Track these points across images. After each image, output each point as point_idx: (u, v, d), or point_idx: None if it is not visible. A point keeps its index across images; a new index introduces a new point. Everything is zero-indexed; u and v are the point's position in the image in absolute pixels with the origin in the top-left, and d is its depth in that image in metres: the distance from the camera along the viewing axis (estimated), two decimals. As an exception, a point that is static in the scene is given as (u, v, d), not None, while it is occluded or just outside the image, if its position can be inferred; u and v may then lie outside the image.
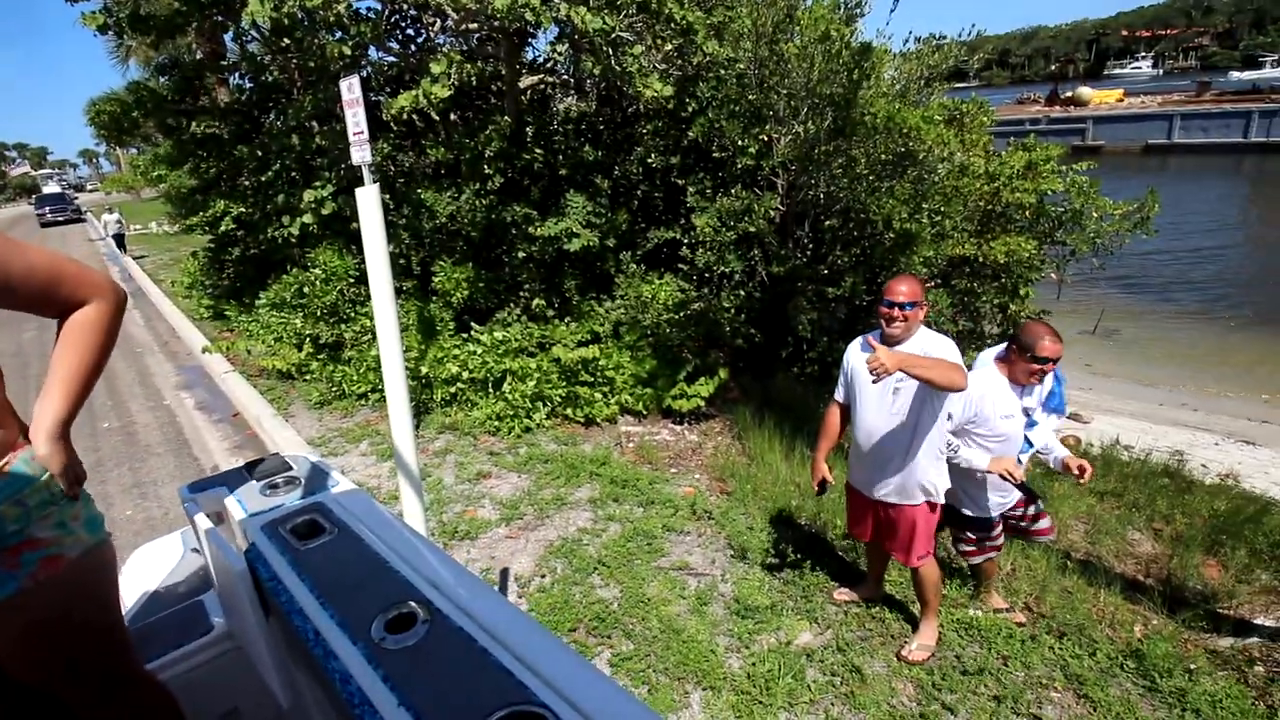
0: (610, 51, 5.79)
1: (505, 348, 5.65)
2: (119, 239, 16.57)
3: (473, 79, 5.70)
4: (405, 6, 6.65)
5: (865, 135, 5.62)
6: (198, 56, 9.24)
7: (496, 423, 5.25)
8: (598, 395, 5.41)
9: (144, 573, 1.93)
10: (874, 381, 2.16)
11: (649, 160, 6.73)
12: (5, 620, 1.02)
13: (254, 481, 1.49)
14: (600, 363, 5.40)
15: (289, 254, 6.88)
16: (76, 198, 40.14)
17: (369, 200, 2.16)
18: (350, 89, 4.27)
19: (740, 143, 5.91)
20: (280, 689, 1.35)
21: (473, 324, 6.05)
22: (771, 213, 5.75)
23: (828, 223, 6.29)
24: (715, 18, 6.33)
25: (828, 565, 3.25)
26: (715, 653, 2.73)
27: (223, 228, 6.66)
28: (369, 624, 0.96)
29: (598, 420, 5.35)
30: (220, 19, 6.88)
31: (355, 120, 4.30)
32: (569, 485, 4.28)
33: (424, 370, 5.60)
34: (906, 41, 6.67)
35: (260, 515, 1.34)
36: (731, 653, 2.76)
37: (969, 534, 2.81)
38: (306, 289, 5.99)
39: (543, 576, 3.36)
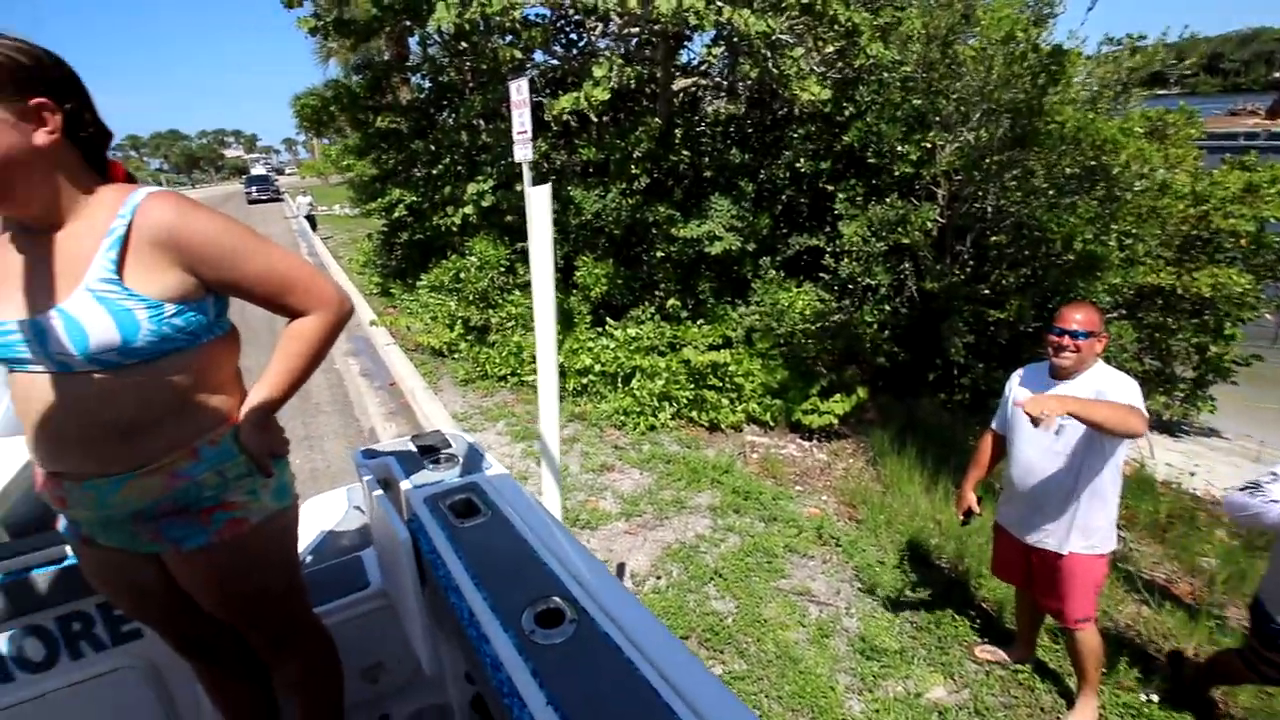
0: (769, 54, 5.68)
1: (637, 345, 5.74)
2: (310, 220, 18.81)
3: (630, 82, 5.83)
4: (570, 12, 6.94)
5: (1050, 146, 5.08)
6: (386, 58, 10.23)
7: (623, 417, 5.34)
8: (724, 401, 5.34)
9: (312, 522, 2.14)
10: (1034, 425, 1.93)
11: (797, 165, 6.53)
12: (193, 566, 1.15)
13: (419, 456, 1.59)
14: (730, 368, 5.33)
15: (450, 241, 7.43)
16: (277, 180, 45.65)
17: (541, 199, 2.24)
18: (519, 90, 4.51)
19: (900, 149, 5.57)
20: (424, 653, 1.44)
21: (608, 319, 6.20)
22: (929, 224, 5.36)
23: (994, 239, 5.77)
24: (882, 19, 6.02)
25: (969, 616, 2.97)
26: (834, 690, 2.59)
27: (396, 214, 7.32)
28: (519, 613, 0.98)
29: (722, 426, 5.28)
30: (408, 24, 7.55)
31: (521, 120, 4.54)
32: (690, 489, 4.26)
33: (559, 360, 5.81)
34: (1102, 44, 5.96)
35: (423, 488, 1.43)
36: (852, 694, 2.60)
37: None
38: (463, 275, 6.43)
39: (658, 578, 3.36)
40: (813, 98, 5.38)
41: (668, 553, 3.56)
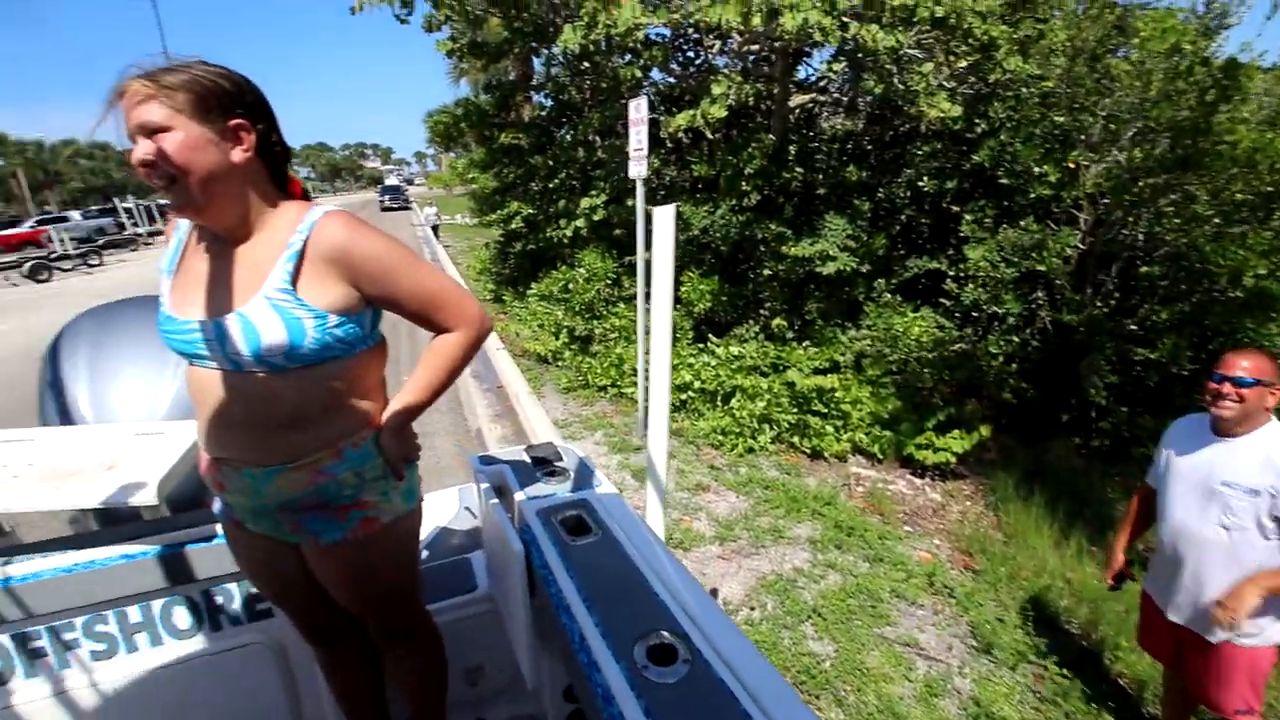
0: (894, 69, 5.46)
1: (739, 364, 5.64)
2: (434, 228, 20.16)
3: (748, 99, 5.79)
4: (689, 31, 7.01)
5: (1218, 168, 4.53)
6: (512, 78, 10.80)
7: (720, 437, 5.26)
8: (829, 428, 5.13)
9: (426, 519, 2.23)
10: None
11: (919, 183, 6.21)
12: (329, 559, 1.23)
13: (532, 467, 1.62)
14: (836, 394, 5.11)
15: (560, 253, 7.68)
16: (407, 190, 49.42)
17: (664, 220, 2.24)
18: (637, 109, 4.60)
19: (1037, 169, 5.16)
20: (526, 663, 1.45)
21: (710, 335, 6.16)
22: (1068, 251, 4.92)
23: (1144, 269, 5.20)
24: (1022, 31, 5.62)
25: (1104, 694, 2.65)
26: (942, 755, 2.38)
27: (512, 225, 7.68)
28: (631, 645, 0.96)
29: (825, 455, 5.07)
30: (535, 45, 7.92)
31: (637, 137, 4.62)
32: (789, 518, 4.11)
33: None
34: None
35: (536, 500, 1.44)
36: (962, 761, 2.39)
37: None
38: (571, 285, 6.60)
39: (752, 609, 3.25)
40: (942, 114, 5.10)
41: (763, 583, 3.44)
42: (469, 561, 1.90)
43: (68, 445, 1.57)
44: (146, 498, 1.40)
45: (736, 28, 4.92)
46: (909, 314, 5.57)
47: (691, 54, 7.53)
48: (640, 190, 4.68)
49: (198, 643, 1.53)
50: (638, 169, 4.64)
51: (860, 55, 5.49)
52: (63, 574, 1.39)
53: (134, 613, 1.47)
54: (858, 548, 3.73)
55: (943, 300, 5.60)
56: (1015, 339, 5.15)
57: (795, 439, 5.20)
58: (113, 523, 1.56)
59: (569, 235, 7.07)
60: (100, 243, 23.68)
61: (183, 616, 1.50)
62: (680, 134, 6.14)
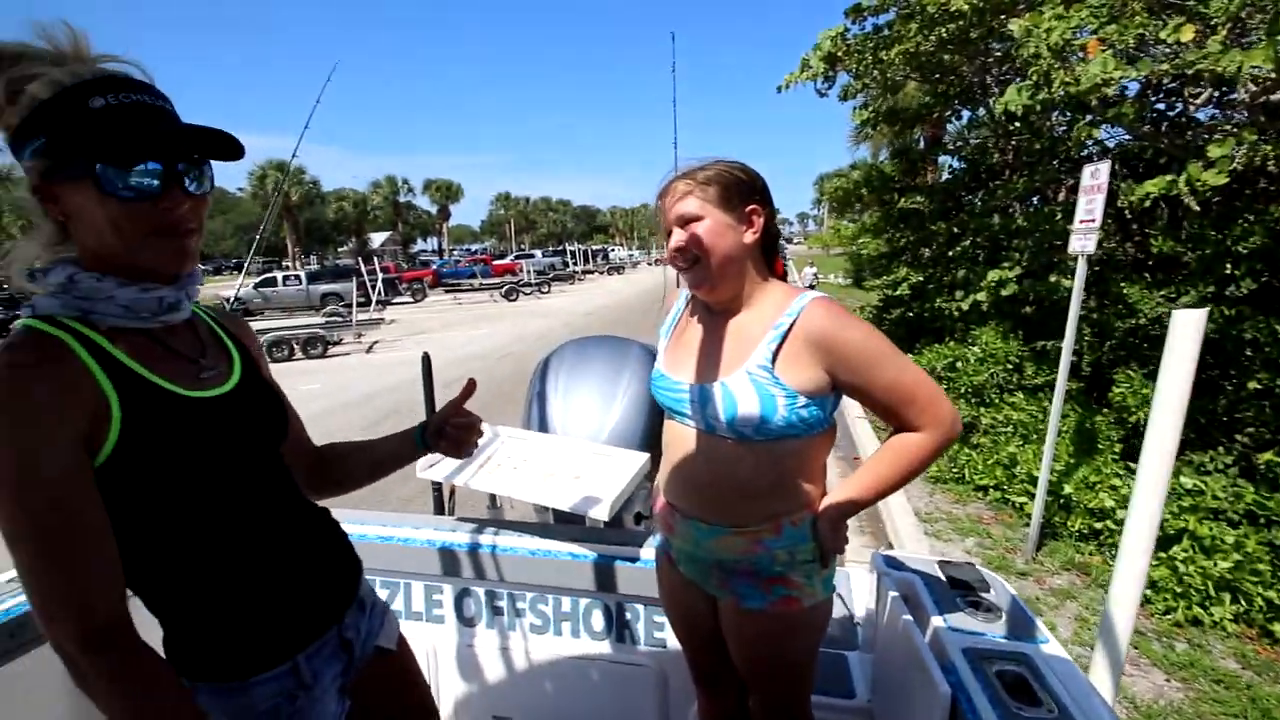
0: None
1: (1194, 501, 4.26)
2: (812, 288, 20.80)
3: (1259, 161, 4.43)
4: (1164, 81, 5.73)
5: None
6: (919, 142, 10.43)
7: (1148, 591, 4.02)
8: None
9: None
10: None
11: None
12: (743, 622, 1.26)
13: (949, 587, 1.41)
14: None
15: (949, 326, 7.01)
16: (786, 248, 52.02)
17: (1190, 325, 1.79)
18: (1095, 175, 3.89)
19: None
20: None
21: (1147, 455, 4.81)
22: None
23: None
24: None
25: None
26: None
27: (898, 292, 7.32)
28: None
29: (1337, 665, 3.45)
30: (957, 108, 7.49)
31: (1090, 207, 3.91)
32: (1262, 740, 2.88)
33: (1066, 489, 4.78)
34: None
35: (960, 634, 1.24)
36: None
37: None
38: (959, 364, 5.95)
39: None
40: None
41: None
42: (845, 660, 1.75)
43: (546, 450, 1.95)
44: (601, 512, 1.63)
45: (1262, 75, 3.82)
46: None
47: (1162, 106, 6.18)
48: (1081, 267, 3.94)
49: (603, 646, 1.71)
50: (1083, 243, 3.93)
51: None
52: (528, 555, 1.69)
53: (566, 603, 1.71)
54: None
55: None
56: None
57: (1277, 626, 3.67)
58: (564, 523, 1.87)
59: (964, 308, 6.40)
60: (550, 276, 30.69)
61: (598, 619, 1.70)
62: (1140, 204, 5.03)
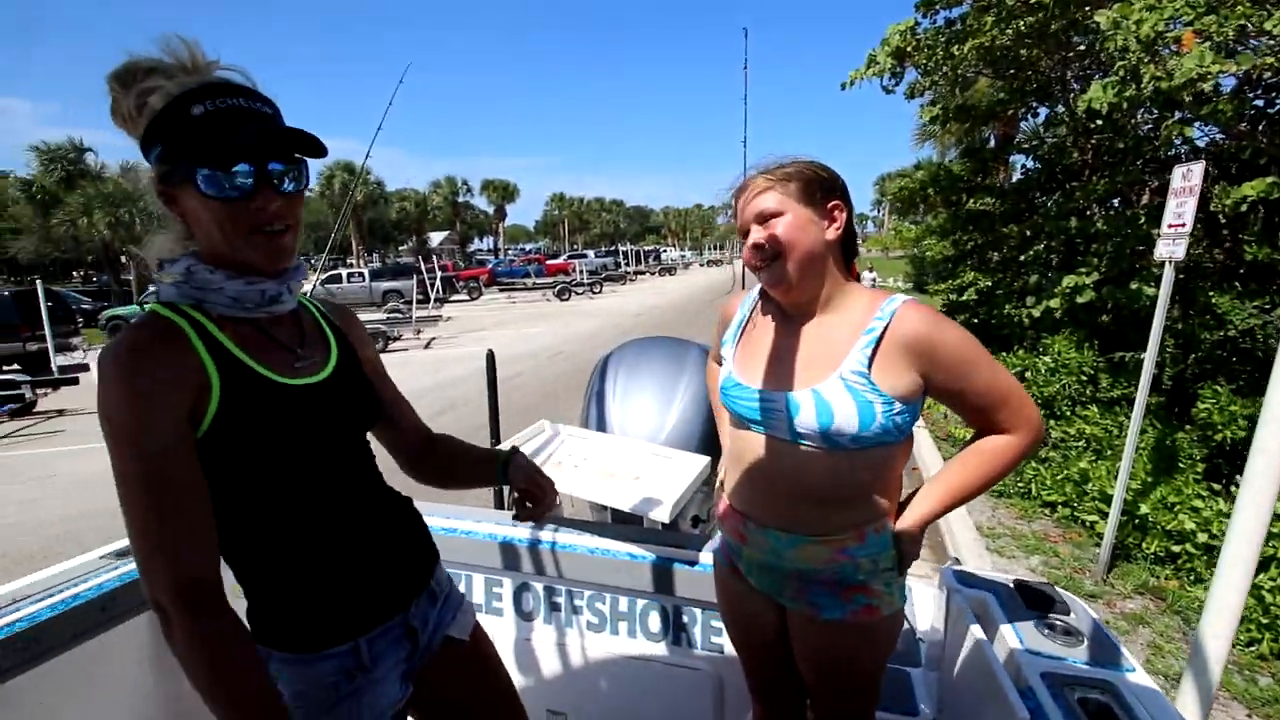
0: None
1: (1287, 528, 3.95)
2: None
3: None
4: (1265, 76, 5.32)
5: None
6: (990, 141, 10.02)
7: (1236, 621, 3.75)
8: None
9: None
10: None
11: None
12: (819, 633, 1.23)
13: (1024, 605, 1.35)
14: None
15: (1015, 333, 6.72)
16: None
17: None
18: (1186, 176, 3.65)
19: None
20: None
21: (1236, 476, 4.50)
22: None
23: None
24: None
25: None
26: None
27: (964, 297, 7.06)
28: None
29: None
30: (1034, 105, 7.16)
31: (1180, 211, 3.67)
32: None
33: (1142, 509, 4.51)
34: None
35: (1039, 658, 1.18)
36: None
37: None
38: (1028, 374, 5.69)
39: None
40: None
41: None
42: (907, 676, 1.69)
43: (607, 449, 1.97)
44: (661, 514, 1.63)
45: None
46: None
47: (1260, 103, 5.75)
48: (1168, 274, 3.72)
49: (659, 648, 1.71)
50: (1170, 249, 3.70)
51: None
52: (587, 553, 1.71)
53: (623, 602, 1.72)
54: None
55: None
56: None
57: (1386, 668, 3.38)
58: (621, 523, 1.88)
59: (1035, 315, 6.11)
60: (602, 276, 30.90)
61: (655, 621, 1.70)
62: (1235, 208, 4.71)
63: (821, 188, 1.13)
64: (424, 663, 1.13)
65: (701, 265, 60.60)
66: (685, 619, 1.67)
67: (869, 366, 1.08)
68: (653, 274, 41.98)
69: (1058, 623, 1.29)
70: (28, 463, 7.44)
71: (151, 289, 18.79)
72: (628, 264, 39.38)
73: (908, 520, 1.16)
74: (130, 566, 1.61)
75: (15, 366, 11.77)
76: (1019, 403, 1.11)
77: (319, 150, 0.91)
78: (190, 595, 0.83)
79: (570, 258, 37.57)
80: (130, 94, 0.85)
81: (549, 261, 35.78)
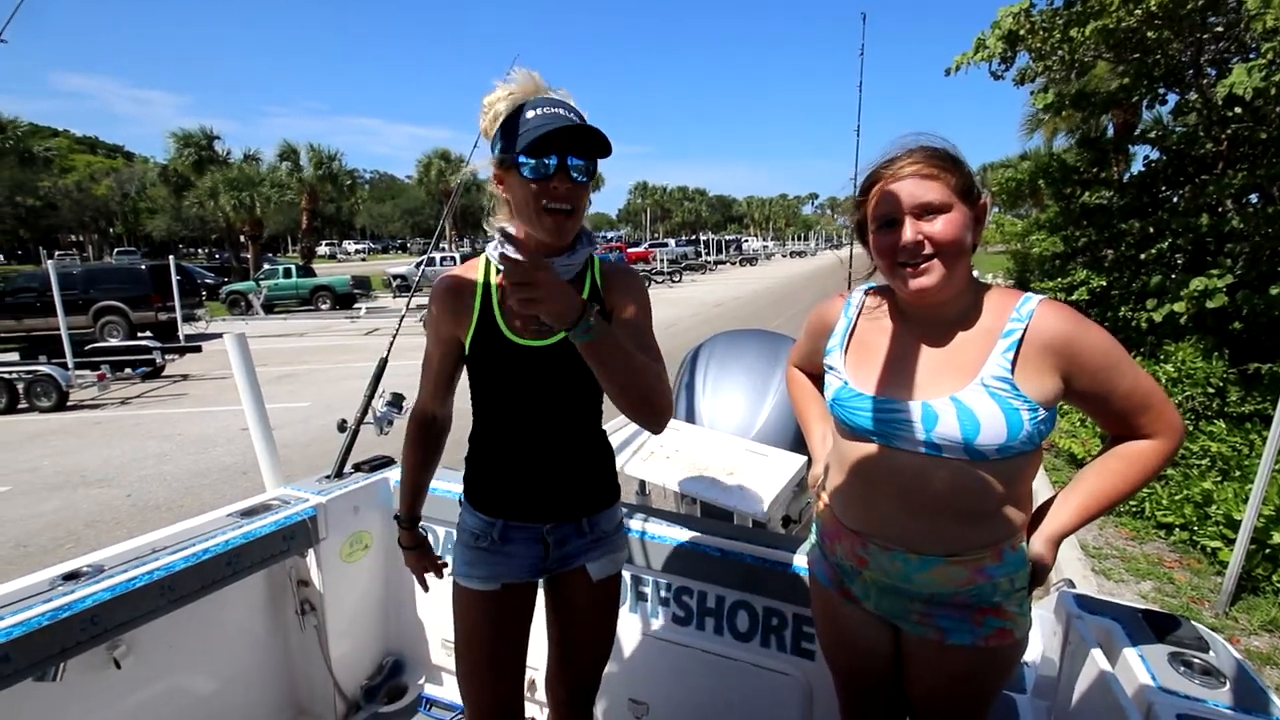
0: None
1: None
2: None
3: None
4: None
5: None
6: (1108, 130, 9.22)
7: (1384, 670, 3.35)
8: None
9: None
10: None
11: None
12: (945, 659, 1.14)
13: (1153, 635, 1.25)
14: None
15: (1133, 338, 6.21)
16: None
17: None
18: (1353, 169, 3.26)
19: None
20: None
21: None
22: None
23: None
24: None
25: None
26: None
27: (1075, 296, 6.57)
28: None
29: None
30: (1162, 91, 6.55)
31: (1341, 208, 3.29)
32: None
33: (1275, 537, 4.08)
34: None
35: (1176, 698, 1.09)
36: None
37: None
38: (1164, 381, 5.25)
39: None
40: None
41: None
42: (1013, 704, 1.60)
43: (700, 442, 1.97)
44: (758, 511, 1.61)
45: None
46: None
47: None
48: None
49: (747, 649, 1.69)
50: (1327, 252, 3.31)
51: None
52: (677, 544, 1.72)
53: (711, 598, 1.72)
54: None
55: None
56: None
57: None
58: (709, 517, 1.87)
59: (1157, 319, 5.62)
60: (682, 265, 30.78)
61: (743, 620, 1.69)
62: None
63: (974, 187, 1.05)
64: (556, 570, 1.39)
65: (784, 256, 59.24)
66: (775, 621, 1.65)
67: (1012, 371, 1.01)
68: (733, 264, 41.47)
69: (1195, 660, 1.19)
70: (157, 422, 8.23)
71: (278, 266, 22.11)
72: (708, 253, 39.03)
73: (1045, 534, 1.08)
74: (253, 525, 1.76)
75: (148, 333, 13.05)
76: (1161, 406, 1.03)
77: (606, 148, 1.15)
78: (415, 416, 1.43)
79: (651, 246, 37.62)
80: (491, 105, 1.19)
81: (630, 249, 35.98)
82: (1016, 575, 1.08)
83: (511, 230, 1.23)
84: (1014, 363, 1.01)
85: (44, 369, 8.48)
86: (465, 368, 1.33)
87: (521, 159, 1.11)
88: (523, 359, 1.24)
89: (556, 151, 1.11)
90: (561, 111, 1.13)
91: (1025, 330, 1.02)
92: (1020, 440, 1.00)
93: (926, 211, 1.02)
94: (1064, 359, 1.00)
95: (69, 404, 8.75)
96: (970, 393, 1.02)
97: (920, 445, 1.06)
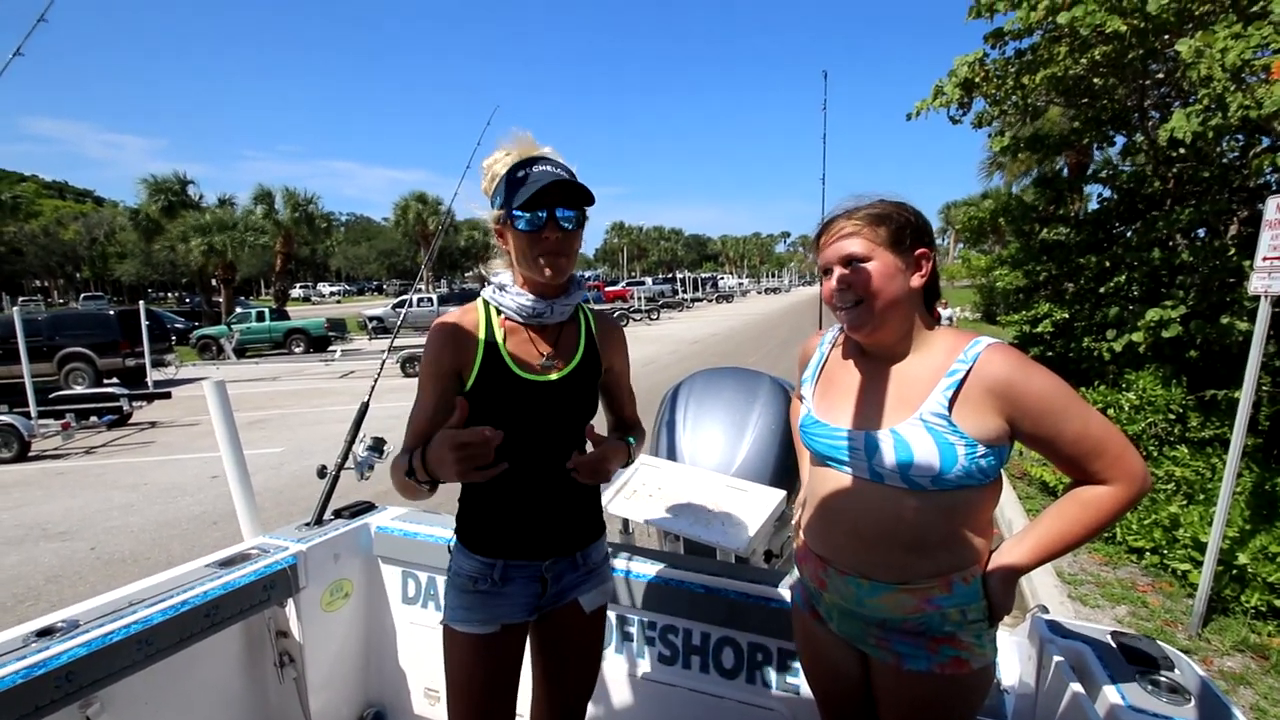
0: None
1: None
2: (950, 322, 19.80)
3: None
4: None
5: None
6: (1062, 170, 9.68)
7: (1352, 688, 3.43)
8: None
9: None
10: None
11: None
12: (905, 685, 1.18)
13: (1124, 661, 1.30)
14: None
15: (1095, 367, 6.42)
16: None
17: None
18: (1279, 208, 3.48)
19: None
20: None
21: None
22: None
23: None
24: None
25: None
26: None
27: (1038, 329, 6.80)
28: None
29: None
30: (1109, 134, 6.92)
31: (1275, 244, 3.49)
32: None
33: (1240, 558, 4.20)
34: None
35: (1143, 714, 1.13)
36: None
37: None
38: (1112, 410, 5.42)
39: None
40: None
41: None
42: None
43: (681, 479, 2.00)
44: (740, 546, 1.64)
45: None
46: None
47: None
48: (1264, 309, 3.53)
49: (733, 686, 1.70)
50: (1266, 283, 3.52)
51: None
52: (661, 583, 1.74)
53: (696, 635, 1.73)
54: None
55: None
56: None
57: None
58: (693, 554, 1.90)
59: (1116, 349, 5.83)
60: (659, 303, 31.09)
61: (729, 657, 1.70)
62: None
63: (912, 234, 1.13)
64: (551, 606, 1.42)
65: (760, 292, 60.15)
66: (760, 657, 1.67)
67: (949, 408, 1.07)
68: (710, 301, 41.98)
69: (1163, 679, 1.24)
70: (123, 471, 7.99)
71: (251, 309, 22.15)
72: (685, 291, 39.51)
73: (999, 571, 1.12)
74: (232, 576, 1.74)
75: (115, 380, 12.74)
76: (1118, 452, 1.05)
77: (589, 199, 1.27)
78: (410, 441, 1.31)
79: (628, 284, 37.99)
80: (489, 168, 1.33)
81: (607, 288, 36.29)
82: (969, 608, 1.12)
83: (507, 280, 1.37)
84: (952, 400, 1.07)
85: (5, 418, 8.22)
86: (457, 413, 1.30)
87: (516, 213, 1.24)
88: (529, 393, 1.31)
89: (546, 205, 1.23)
90: (550, 169, 1.25)
91: (969, 372, 1.08)
92: (956, 473, 1.05)
93: (851, 261, 1.14)
94: (1006, 402, 1.05)
95: (31, 454, 8.47)
96: (908, 426, 1.09)
97: (867, 472, 1.13)
